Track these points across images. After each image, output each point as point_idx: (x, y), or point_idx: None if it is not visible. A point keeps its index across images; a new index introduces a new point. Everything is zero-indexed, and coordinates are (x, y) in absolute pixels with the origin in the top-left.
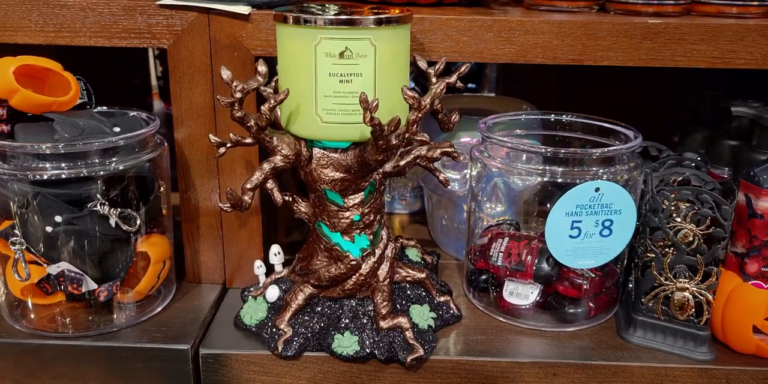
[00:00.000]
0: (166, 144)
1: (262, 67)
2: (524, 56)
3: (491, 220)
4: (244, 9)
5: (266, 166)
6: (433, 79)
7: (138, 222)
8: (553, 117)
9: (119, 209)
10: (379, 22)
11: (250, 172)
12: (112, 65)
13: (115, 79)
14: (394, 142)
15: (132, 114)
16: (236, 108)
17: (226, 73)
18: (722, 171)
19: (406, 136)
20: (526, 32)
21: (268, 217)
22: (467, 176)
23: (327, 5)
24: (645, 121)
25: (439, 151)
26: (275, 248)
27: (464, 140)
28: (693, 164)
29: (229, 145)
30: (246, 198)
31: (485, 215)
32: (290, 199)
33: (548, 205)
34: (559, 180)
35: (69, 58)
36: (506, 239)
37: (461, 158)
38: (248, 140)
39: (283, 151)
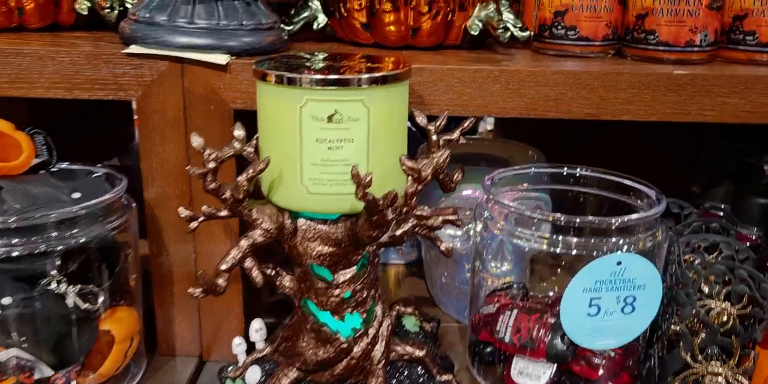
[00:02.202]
0: (134, 206)
1: (238, 132)
2: (535, 110)
3: (496, 280)
4: (221, 58)
5: (244, 243)
6: (434, 137)
7: (100, 299)
8: (565, 170)
9: (78, 286)
10: (373, 81)
11: (229, 235)
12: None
13: (95, 120)
14: (390, 218)
15: (95, 175)
16: (209, 179)
17: (196, 141)
18: (750, 231)
19: (404, 210)
20: (537, 84)
21: (249, 283)
22: (470, 233)
23: (314, 54)
24: (661, 169)
25: (440, 218)
26: (257, 324)
27: (466, 193)
28: (721, 226)
29: (201, 218)
30: (220, 281)
31: (490, 275)
32: (272, 273)
33: (561, 262)
34: (573, 252)
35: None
36: (515, 312)
37: (466, 214)
38: (223, 213)
39: (263, 224)
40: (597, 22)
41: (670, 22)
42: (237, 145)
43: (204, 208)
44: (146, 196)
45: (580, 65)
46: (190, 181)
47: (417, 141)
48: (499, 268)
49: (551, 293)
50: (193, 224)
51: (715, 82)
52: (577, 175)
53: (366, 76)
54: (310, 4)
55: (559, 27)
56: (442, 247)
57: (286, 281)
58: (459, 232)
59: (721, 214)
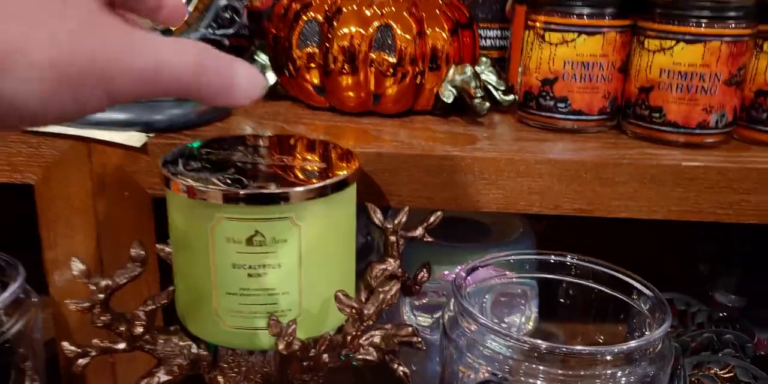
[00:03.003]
0: (36, 304)
1: (136, 251)
2: (515, 204)
3: (472, 374)
4: (135, 138)
5: None
6: (392, 237)
7: None
8: (552, 258)
9: None
10: (307, 196)
11: None
12: None
13: None
14: (325, 361)
15: None
16: (96, 313)
17: (77, 268)
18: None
19: (344, 353)
20: (518, 174)
21: None
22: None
23: (249, 139)
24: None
25: (396, 340)
26: None
27: (443, 274)
28: (734, 339)
29: (93, 353)
30: None
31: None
32: None
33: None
34: (560, 379)
35: None
36: None
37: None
38: (122, 346)
39: (173, 359)
40: (592, 93)
41: (680, 100)
42: (136, 269)
43: (95, 341)
44: (51, 293)
45: (570, 149)
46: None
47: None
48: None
49: None
50: (82, 361)
51: (734, 176)
52: (568, 263)
53: (297, 189)
54: (256, 58)
55: (548, 97)
56: (399, 370)
57: None
58: (429, 320)
59: (733, 313)
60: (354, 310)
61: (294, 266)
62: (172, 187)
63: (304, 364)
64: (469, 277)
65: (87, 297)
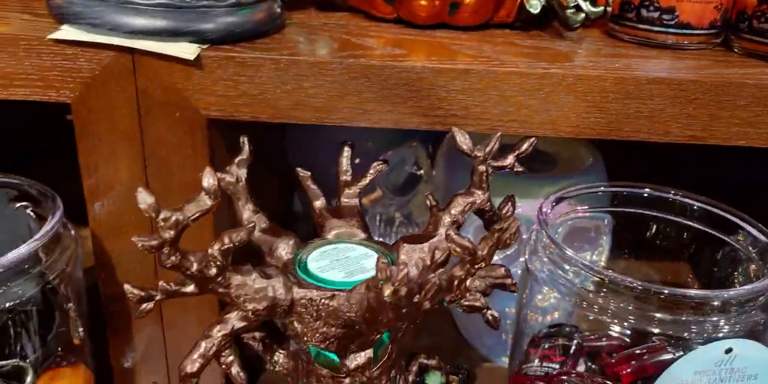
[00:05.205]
0: (75, 240)
1: (208, 181)
2: (620, 130)
3: (540, 317)
4: (187, 49)
5: (218, 333)
6: (480, 167)
7: (30, 378)
8: (647, 192)
9: None
10: None
11: None
12: None
13: None
14: (426, 308)
15: (17, 205)
16: (166, 252)
17: (145, 200)
18: None
19: (447, 299)
20: (626, 95)
21: None
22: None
23: None
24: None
25: (487, 281)
26: None
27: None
28: None
29: (158, 297)
30: None
31: (533, 310)
32: (260, 348)
33: None
34: (656, 330)
35: None
36: None
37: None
38: (190, 289)
39: (247, 304)
40: (704, 3)
41: None
42: (208, 201)
43: (161, 284)
44: (92, 226)
45: (683, 68)
46: None
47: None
48: (546, 300)
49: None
50: (146, 306)
51: None
52: (670, 199)
53: None
54: None
55: (652, 8)
56: (488, 314)
57: (280, 358)
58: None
59: None
60: (467, 251)
61: None
62: None
63: (403, 310)
64: (554, 209)
65: (130, 229)
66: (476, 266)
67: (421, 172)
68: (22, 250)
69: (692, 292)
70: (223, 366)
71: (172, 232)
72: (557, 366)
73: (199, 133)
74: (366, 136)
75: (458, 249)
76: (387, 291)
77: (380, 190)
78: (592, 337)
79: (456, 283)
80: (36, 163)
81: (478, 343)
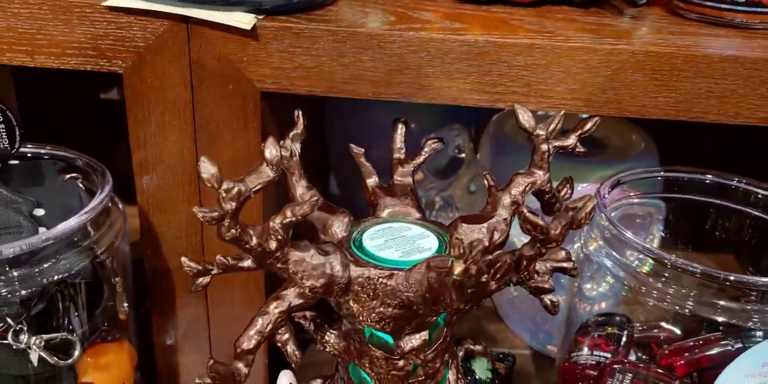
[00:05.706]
0: (123, 214)
1: (271, 151)
2: (689, 111)
3: (588, 306)
4: (243, 18)
5: (275, 310)
6: (543, 146)
7: (77, 351)
8: (709, 179)
9: (43, 337)
10: None
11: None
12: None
13: None
14: (492, 289)
15: (67, 177)
16: (226, 225)
17: (207, 170)
18: None
19: (513, 280)
20: (697, 74)
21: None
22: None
23: None
24: None
25: (548, 265)
26: (285, 378)
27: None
28: None
29: (215, 271)
30: (241, 366)
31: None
32: (311, 327)
33: None
34: (719, 319)
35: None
36: (629, 377)
37: None
38: (247, 263)
39: (304, 281)
40: None
41: None
42: (270, 172)
43: (218, 258)
44: (140, 201)
45: (758, 47)
46: (199, 182)
47: None
48: (595, 290)
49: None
50: (202, 280)
51: None
52: (733, 186)
53: None
54: None
55: None
56: (547, 299)
57: (331, 338)
58: None
59: None
60: (540, 230)
61: None
62: None
63: (468, 291)
64: (611, 194)
65: (179, 211)
66: (548, 246)
67: (463, 155)
68: (72, 222)
69: (760, 279)
70: (279, 344)
71: (233, 204)
72: (609, 355)
73: (251, 105)
74: (407, 118)
75: (530, 227)
76: (458, 269)
77: (422, 173)
78: (642, 328)
79: (525, 263)
80: (85, 137)
81: (518, 327)
